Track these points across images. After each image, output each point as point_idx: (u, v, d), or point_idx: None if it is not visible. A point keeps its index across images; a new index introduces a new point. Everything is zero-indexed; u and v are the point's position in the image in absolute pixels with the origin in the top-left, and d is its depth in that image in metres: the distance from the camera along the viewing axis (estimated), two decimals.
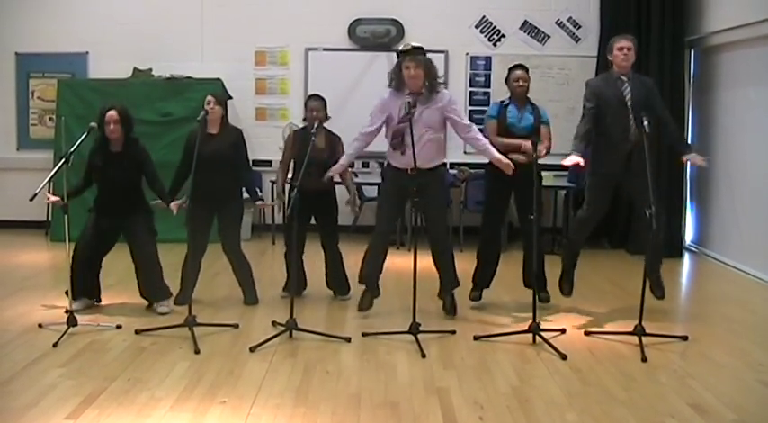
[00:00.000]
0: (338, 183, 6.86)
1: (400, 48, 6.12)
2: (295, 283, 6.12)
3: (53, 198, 5.94)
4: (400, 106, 5.95)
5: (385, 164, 6.45)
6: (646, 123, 5.78)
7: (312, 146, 6.18)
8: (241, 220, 6.84)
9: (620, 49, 6.18)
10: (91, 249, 6.20)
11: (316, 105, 6.59)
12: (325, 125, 6.65)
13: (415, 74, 5.94)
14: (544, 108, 6.70)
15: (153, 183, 6.25)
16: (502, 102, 6.64)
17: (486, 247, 6.72)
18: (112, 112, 6.03)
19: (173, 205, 6.15)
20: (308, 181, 5.94)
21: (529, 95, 6.61)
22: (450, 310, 6.34)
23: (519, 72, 6.50)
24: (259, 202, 6.57)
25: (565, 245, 6.46)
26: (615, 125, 6.16)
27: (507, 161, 6.10)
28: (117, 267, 6.88)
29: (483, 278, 6.74)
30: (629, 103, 6.13)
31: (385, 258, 6.45)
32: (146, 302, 6.40)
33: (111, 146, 6.12)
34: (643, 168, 5.80)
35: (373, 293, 6.47)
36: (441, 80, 6.21)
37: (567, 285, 6.58)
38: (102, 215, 6.18)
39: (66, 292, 5.94)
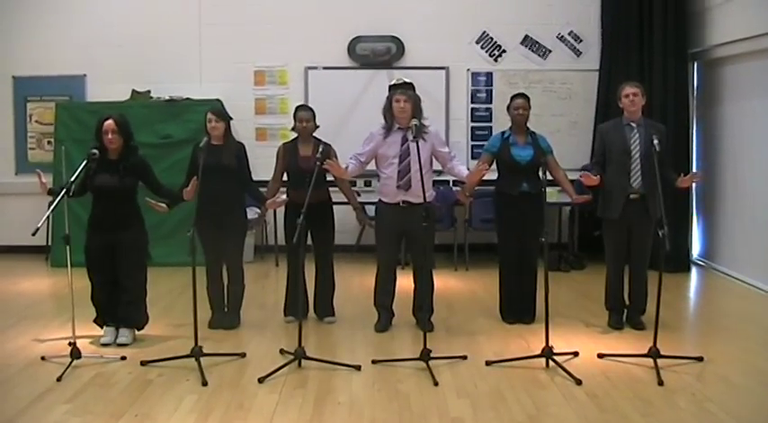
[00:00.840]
0: (337, 203, 6.87)
1: (392, 82, 6.42)
2: (302, 309, 6.05)
3: (44, 179, 5.91)
4: (398, 142, 6.28)
5: (378, 201, 6.58)
6: (656, 142, 5.77)
7: (299, 157, 6.53)
8: (244, 235, 6.74)
9: (627, 95, 6.36)
10: (100, 268, 6.04)
11: (305, 116, 6.65)
12: (315, 134, 6.72)
13: (404, 107, 6.20)
14: (543, 136, 6.71)
15: (158, 190, 6.19)
16: (503, 133, 6.70)
17: (509, 277, 6.71)
18: (110, 122, 5.95)
19: (186, 191, 6.16)
20: (300, 193, 6.02)
21: (529, 119, 6.67)
22: (427, 325, 6.23)
23: (520, 100, 6.61)
24: (269, 202, 6.49)
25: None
26: (617, 173, 6.38)
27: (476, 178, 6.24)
28: None
29: (511, 310, 6.73)
30: (634, 152, 6.32)
31: (395, 284, 6.61)
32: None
33: (108, 154, 5.97)
34: (645, 223, 6.29)
35: (389, 315, 6.60)
36: (426, 120, 6.32)
37: (613, 322, 6.60)
38: (96, 230, 6.01)
39: (96, 321, 6.07)
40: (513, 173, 6.53)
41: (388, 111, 6.31)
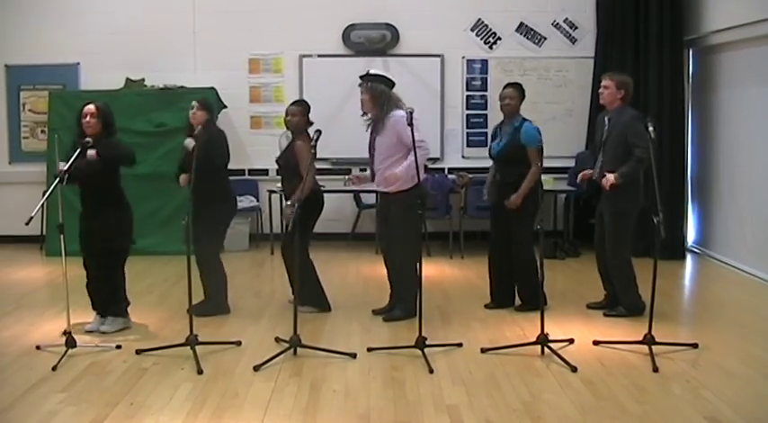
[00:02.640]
0: (331, 191, 6.97)
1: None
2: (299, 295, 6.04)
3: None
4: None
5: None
6: (651, 129, 5.73)
7: (286, 150, 6.63)
8: (216, 226, 6.55)
9: (600, 86, 6.41)
10: (83, 252, 6.04)
11: (291, 109, 6.63)
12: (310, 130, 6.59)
13: (362, 98, 6.29)
14: (532, 125, 6.50)
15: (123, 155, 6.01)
16: (501, 122, 6.73)
17: (490, 262, 6.80)
18: (90, 106, 5.91)
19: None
20: (287, 187, 6.36)
21: (518, 108, 6.60)
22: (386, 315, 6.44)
23: (506, 90, 6.60)
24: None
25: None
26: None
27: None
28: None
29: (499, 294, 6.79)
30: (600, 142, 6.39)
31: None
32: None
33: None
34: (607, 214, 6.34)
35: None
36: (388, 107, 6.24)
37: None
38: (83, 217, 6.02)
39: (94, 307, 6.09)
40: (493, 162, 6.69)
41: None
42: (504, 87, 6.61)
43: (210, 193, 6.29)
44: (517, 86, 6.58)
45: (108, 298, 6.07)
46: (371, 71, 6.42)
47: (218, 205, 6.50)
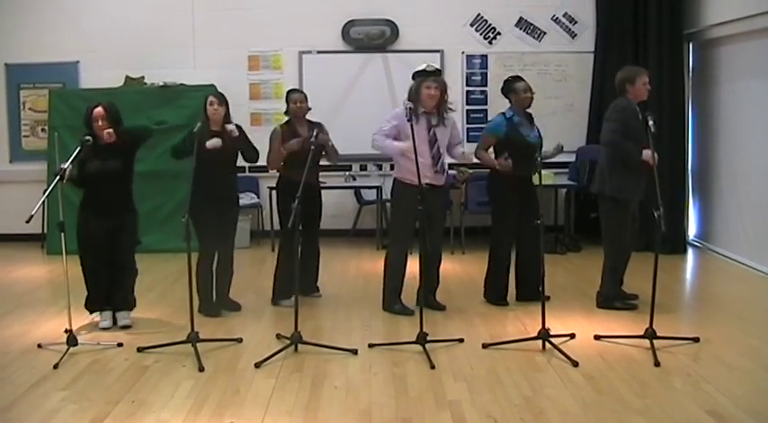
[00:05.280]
0: (333, 188, 6.90)
1: (423, 67, 6.36)
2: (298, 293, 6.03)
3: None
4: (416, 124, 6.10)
5: (395, 183, 6.49)
6: (651, 123, 5.72)
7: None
8: (236, 222, 6.72)
9: (644, 83, 6.34)
10: (101, 253, 6.02)
11: (299, 97, 6.73)
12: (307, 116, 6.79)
13: (435, 94, 6.27)
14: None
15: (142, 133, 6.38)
16: (504, 114, 6.63)
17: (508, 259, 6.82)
18: (99, 109, 5.96)
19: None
20: (297, 173, 5.90)
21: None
22: (440, 306, 6.56)
23: (526, 83, 6.60)
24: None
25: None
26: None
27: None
28: None
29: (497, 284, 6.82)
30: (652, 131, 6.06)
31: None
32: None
33: (100, 140, 5.93)
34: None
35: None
36: (451, 105, 6.50)
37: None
38: (96, 215, 6.00)
39: (87, 307, 6.11)
40: (523, 155, 6.37)
41: (415, 95, 6.28)
42: (521, 80, 6.63)
43: (235, 191, 6.63)
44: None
45: (128, 293, 6.19)
46: (435, 66, 6.46)
47: (237, 203, 6.71)
